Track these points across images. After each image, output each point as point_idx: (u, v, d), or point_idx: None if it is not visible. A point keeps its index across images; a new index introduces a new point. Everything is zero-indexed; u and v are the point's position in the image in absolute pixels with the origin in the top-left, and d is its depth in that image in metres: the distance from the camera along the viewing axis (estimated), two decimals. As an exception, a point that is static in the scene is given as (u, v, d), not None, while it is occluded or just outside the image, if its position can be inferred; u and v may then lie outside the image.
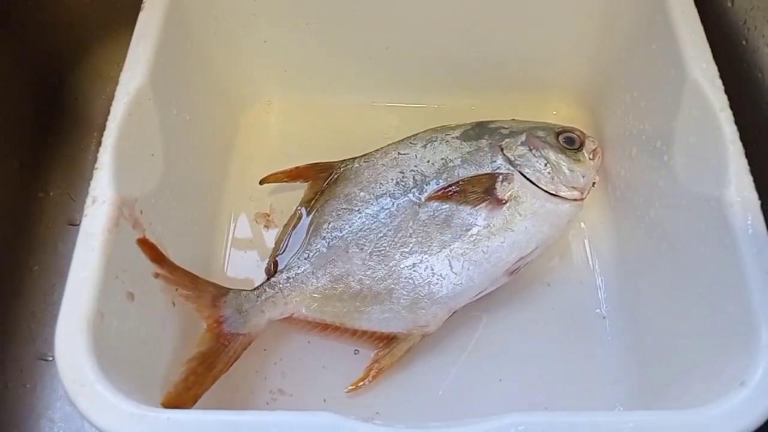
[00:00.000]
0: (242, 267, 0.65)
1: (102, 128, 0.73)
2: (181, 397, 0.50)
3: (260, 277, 0.64)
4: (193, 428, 0.39)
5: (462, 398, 0.58)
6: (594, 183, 0.64)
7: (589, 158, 0.64)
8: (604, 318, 0.62)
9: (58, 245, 0.65)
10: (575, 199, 0.62)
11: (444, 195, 0.61)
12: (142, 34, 0.55)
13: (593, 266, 0.64)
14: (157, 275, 0.52)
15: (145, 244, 0.51)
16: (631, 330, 0.60)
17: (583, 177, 0.63)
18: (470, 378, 0.59)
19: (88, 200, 0.47)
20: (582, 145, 0.65)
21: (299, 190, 0.67)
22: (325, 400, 0.58)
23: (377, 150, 0.67)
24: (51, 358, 0.61)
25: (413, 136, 0.68)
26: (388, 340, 0.59)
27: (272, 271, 0.61)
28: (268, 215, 0.68)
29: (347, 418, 0.39)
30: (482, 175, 0.62)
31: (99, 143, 0.71)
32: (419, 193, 0.62)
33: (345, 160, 0.67)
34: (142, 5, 0.58)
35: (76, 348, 0.41)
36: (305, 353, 0.60)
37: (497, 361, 0.60)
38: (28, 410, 0.58)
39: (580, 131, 0.66)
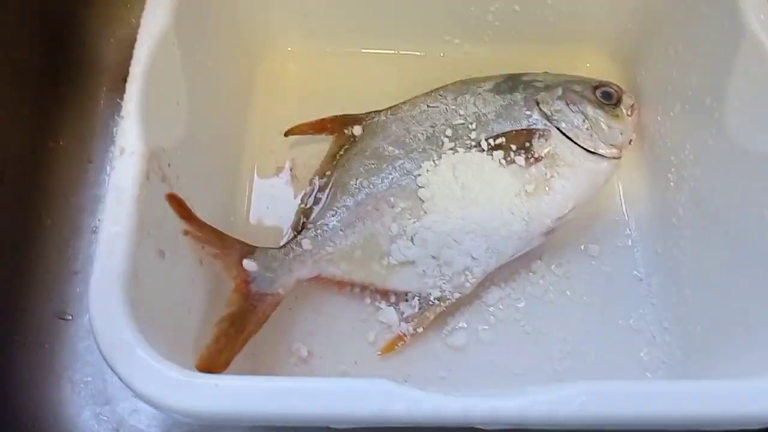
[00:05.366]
0: (265, 223, 0.63)
1: (111, 73, 0.70)
2: (215, 360, 0.48)
3: (283, 232, 0.62)
4: (244, 395, 0.36)
5: (494, 363, 0.56)
6: (630, 141, 0.62)
7: (627, 114, 0.62)
8: (641, 280, 0.60)
9: (70, 198, 0.62)
10: (613, 157, 0.61)
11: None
12: (163, -28, 0.51)
13: (629, 227, 0.63)
14: (186, 232, 0.49)
15: (175, 200, 0.48)
16: (670, 293, 0.58)
17: (622, 134, 0.61)
18: (502, 342, 0.57)
19: (116, 151, 0.44)
20: (619, 100, 0.63)
21: (321, 143, 0.64)
22: (356, 362, 0.56)
23: (404, 102, 0.65)
24: (70, 317, 0.58)
25: (441, 88, 0.65)
26: (420, 300, 0.57)
27: (299, 228, 0.59)
28: (291, 169, 0.65)
29: (403, 385, 0.38)
30: (519, 131, 0.60)
31: (109, 90, 0.69)
32: (452, 148, 0.60)
33: (371, 112, 0.64)
34: (163, -60, 0.53)
35: (113, 309, 0.39)
36: (333, 314, 0.58)
37: (531, 325, 0.58)
38: (47, 370, 0.56)
39: (617, 86, 0.64)
